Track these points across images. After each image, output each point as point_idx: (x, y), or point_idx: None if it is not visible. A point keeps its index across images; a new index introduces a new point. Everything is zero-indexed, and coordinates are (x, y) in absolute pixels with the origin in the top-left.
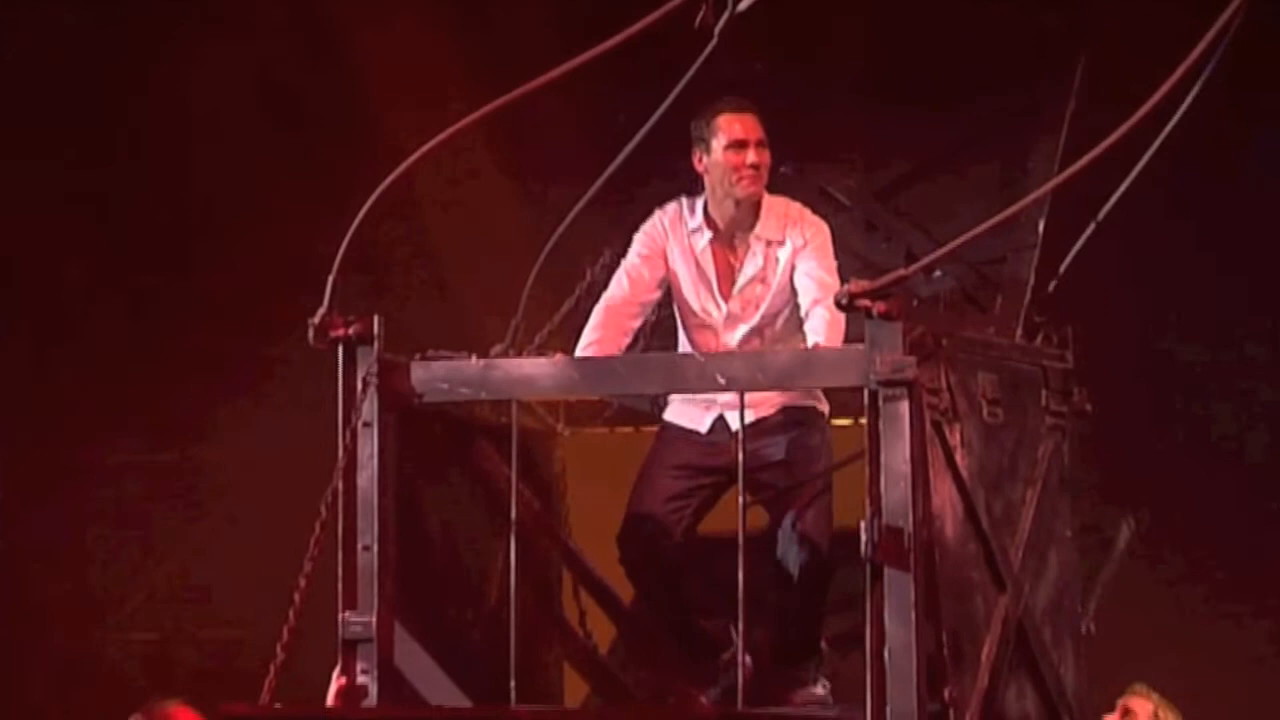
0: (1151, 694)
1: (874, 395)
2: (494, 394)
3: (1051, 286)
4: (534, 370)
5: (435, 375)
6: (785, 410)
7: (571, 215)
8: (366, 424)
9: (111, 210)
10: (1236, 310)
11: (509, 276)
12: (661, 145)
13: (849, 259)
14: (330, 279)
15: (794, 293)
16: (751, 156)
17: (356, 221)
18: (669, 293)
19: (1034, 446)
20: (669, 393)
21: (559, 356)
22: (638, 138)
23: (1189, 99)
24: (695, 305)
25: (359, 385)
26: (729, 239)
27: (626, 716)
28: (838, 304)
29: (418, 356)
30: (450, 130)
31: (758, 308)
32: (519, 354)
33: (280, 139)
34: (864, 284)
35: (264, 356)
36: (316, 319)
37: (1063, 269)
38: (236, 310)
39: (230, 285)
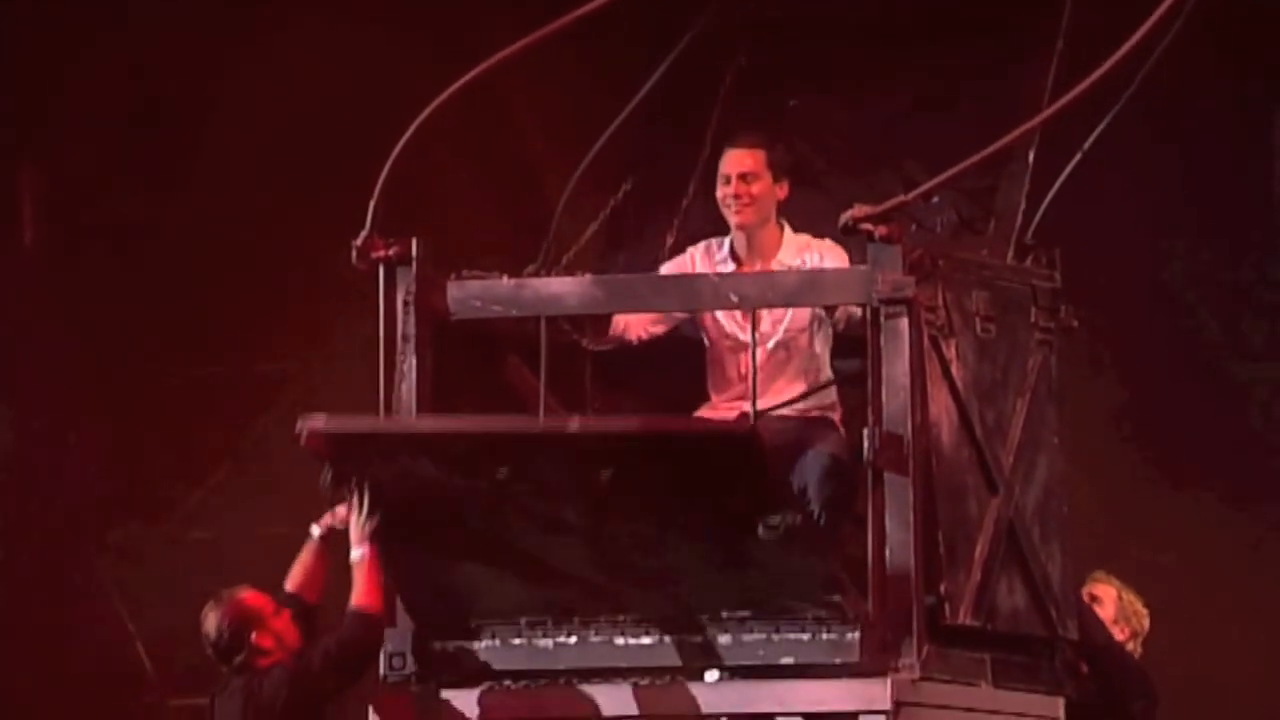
0: (1112, 579)
1: (876, 312)
2: (525, 311)
3: (1040, 211)
4: (561, 289)
5: (470, 293)
6: (800, 416)
7: (599, 143)
8: (406, 338)
9: (169, 142)
10: (1222, 229)
11: (540, 201)
12: (685, 77)
13: (852, 186)
14: (372, 204)
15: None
16: (732, 188)
17: (398, 149)
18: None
19: (1024, 359)
20: (686, 310)
21: (585, 276)
22: (663, 67)
23: (1170, 36)
24: (726, 328)
25: (399, 303)
26: (752, 268)
27: (686, 424)
28: (842, 229)
29: (454, 276)
30: (486, 64)
31: (780, 324)
32: (549, 273)
33: (333, 70)
34: (866, 209)
35: (312, 276)
36: (359, 241)
37: (1050, 195)
38: (286, 234)
39: (281, 208)
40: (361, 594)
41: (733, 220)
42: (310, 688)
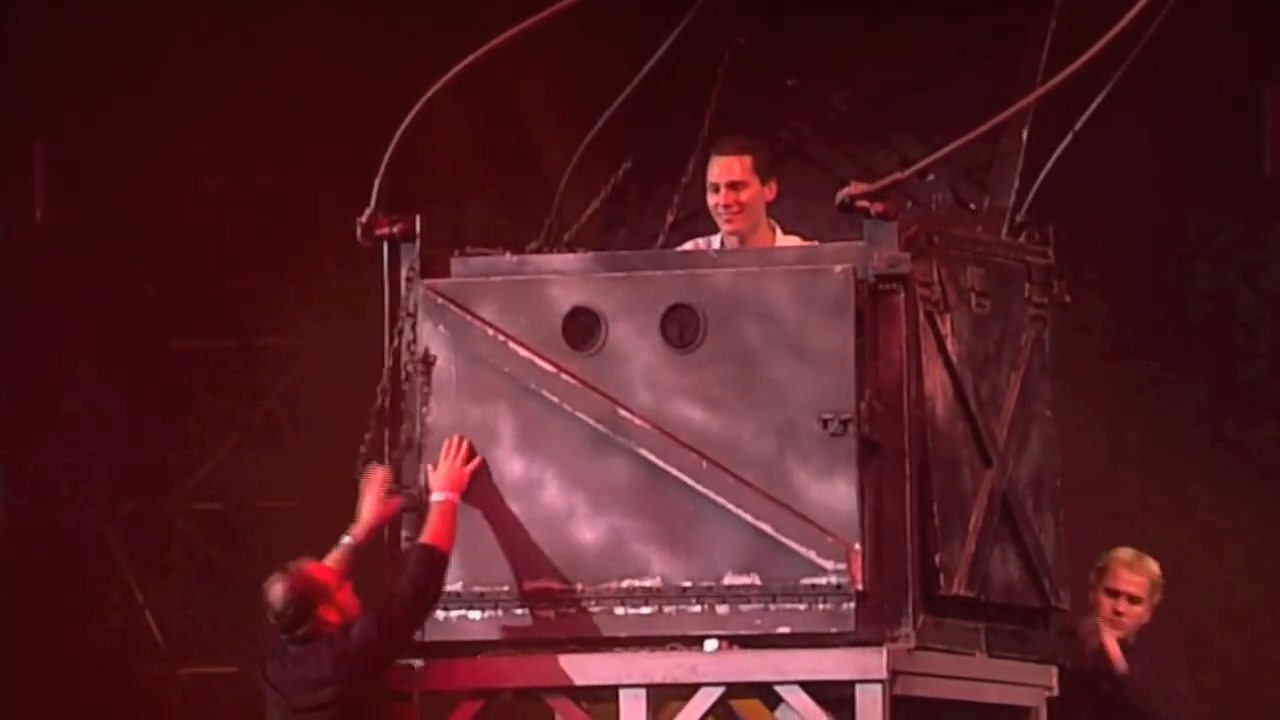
0: (1143, 562)
1: (872, 288)
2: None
3: (1034, 189)
4: (563, 264)
5: (473, 270)
6: None
7: (601, 122)
8: (410, 314)
9: (178, 120)
10: (1212, 203)
11: (542, 179)
12: (684, 56)
13: (849, 164)
14: (376, 181)
15: None
16: (722, 198)
17: (403, 127)
18: None
19: (1017, 334)
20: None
21: (586, 252)
22: (665, 46)
23: (1162, 14)
24: None
25: (403, 279)
26: None
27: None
28: (839, 206)
29: (457, 252)
30: (490, 45)
31: None
32: (551, 250)
33: (340, 48)
34: (863, 186)
35: (319, 252)
36: (364, 218)
37: (1044, 173)
38: (294, 208)
39: (287, 186)
40: (434, 534)
41: (724, 228)
42: (394, 633)
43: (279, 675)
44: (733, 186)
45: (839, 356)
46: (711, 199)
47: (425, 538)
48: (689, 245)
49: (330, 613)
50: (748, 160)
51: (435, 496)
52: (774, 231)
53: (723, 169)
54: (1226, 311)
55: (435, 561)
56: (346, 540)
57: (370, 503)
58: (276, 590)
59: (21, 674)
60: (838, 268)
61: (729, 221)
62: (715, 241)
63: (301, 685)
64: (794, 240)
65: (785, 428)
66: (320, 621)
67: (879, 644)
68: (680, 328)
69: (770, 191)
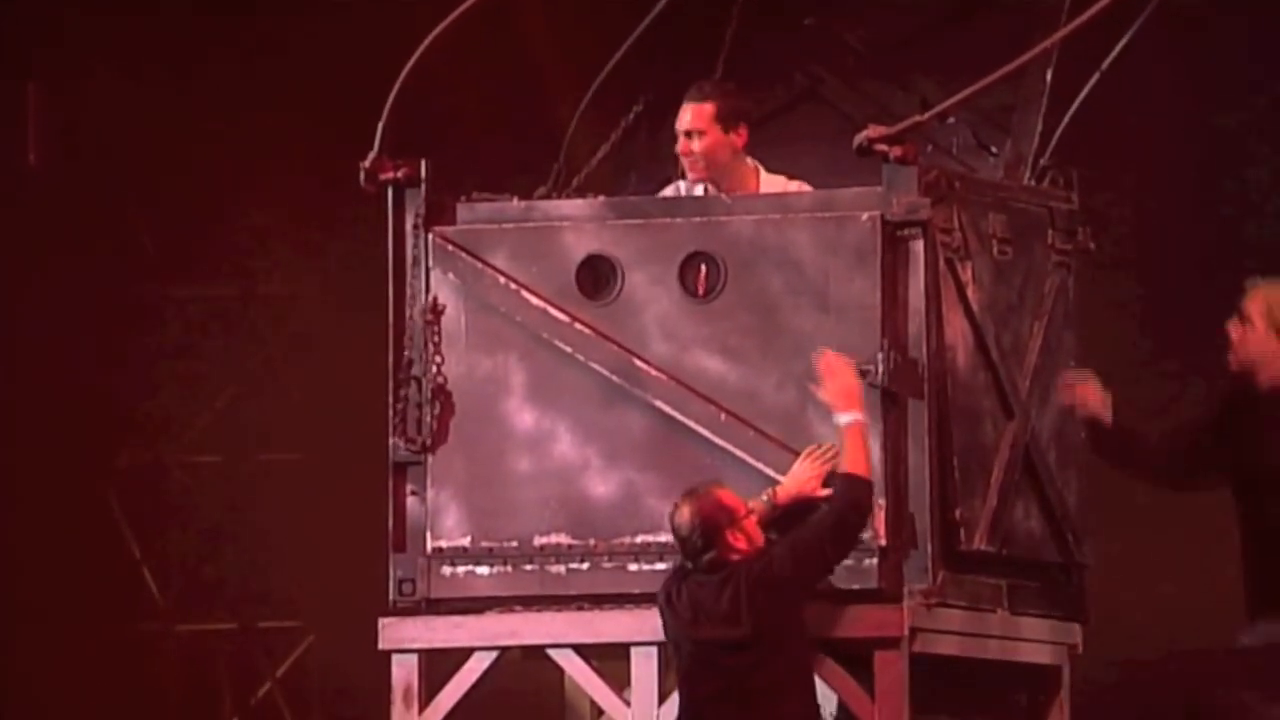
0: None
1: (891, 234)
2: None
3: (1058, 133)
4: (570, 210)
5: (479, 216)
6: None
7: (611, 64)
8: (415, 261)
9: (175, 62)
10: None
11: (551, 123)
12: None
13: (868, 107)
14: (380, 125)
15: None
16: (683, 145)
17: (406, 69)
18: None
19: (1040, 282)
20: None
21: (596, 197)
22: None
23: None
24: None
25: (408, 225)
26: None
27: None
28: (857, 150)
29: (463, 198)
30: None
31: None
32: (559, 195)
33: None
34: (881, 130)
35: (320, 197)
36: (367, 163)
37: (1068, 116)
38: (297, 152)
39: (288, 130)
40: (850, 460)
41: (689, 175)
42: (812, 564)
43: (684, 603)
44: (689, 135)
45: (863, 306)
46: (678, 145)
47: (843, 465)
48: (682, 185)
49: (738, 539)
50: (708, 108)
51: (842, 419)
52: (756, 172)
53: (682, 116)
54: (1260, 259)
55: (856, 489)
56: (765, 498)
57: (807, 472)
58: (683, 513)
59: (18, 630)
60: (864, 215)
61: (690, 169)
62: (701, 188)
63: (713, 617)
64: (779, 180)
65: (807, 379)
66: (727, 548)
67: (899, 600)
68: (699, 276)
69: (739, 138)
